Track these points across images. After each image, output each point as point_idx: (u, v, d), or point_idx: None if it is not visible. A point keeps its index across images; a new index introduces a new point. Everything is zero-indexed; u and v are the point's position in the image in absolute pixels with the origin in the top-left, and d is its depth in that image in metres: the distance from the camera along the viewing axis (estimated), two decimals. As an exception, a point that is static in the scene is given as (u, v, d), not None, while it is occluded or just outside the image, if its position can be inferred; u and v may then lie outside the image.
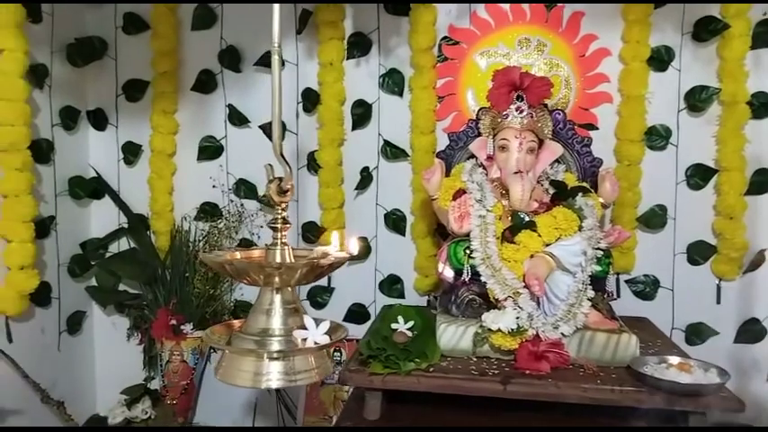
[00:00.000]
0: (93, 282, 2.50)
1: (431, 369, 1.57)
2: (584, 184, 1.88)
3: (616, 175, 1.99)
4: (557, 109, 2.05)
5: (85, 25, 2.42)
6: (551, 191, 1.88)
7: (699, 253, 2.21)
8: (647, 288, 2.24)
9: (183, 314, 2.30)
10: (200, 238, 2.44)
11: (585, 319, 1.65)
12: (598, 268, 1.70)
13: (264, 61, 2.36)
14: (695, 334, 2.23)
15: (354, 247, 1.14)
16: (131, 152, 2.50)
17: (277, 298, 1.10)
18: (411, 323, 1.70)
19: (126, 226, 2.52)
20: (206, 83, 2.43)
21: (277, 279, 1.07)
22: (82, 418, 2.35)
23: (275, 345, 1.07)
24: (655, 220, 2.21)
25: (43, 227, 2.23)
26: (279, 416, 2.46)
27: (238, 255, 1.16)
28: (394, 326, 1.69)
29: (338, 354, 2.34)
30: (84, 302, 2.50)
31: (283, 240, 1.13)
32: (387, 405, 1.61)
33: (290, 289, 1.11)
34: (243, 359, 1.06)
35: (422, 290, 2.34)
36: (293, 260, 1.12)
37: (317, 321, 1.09)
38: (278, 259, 1.11)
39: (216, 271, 2.25)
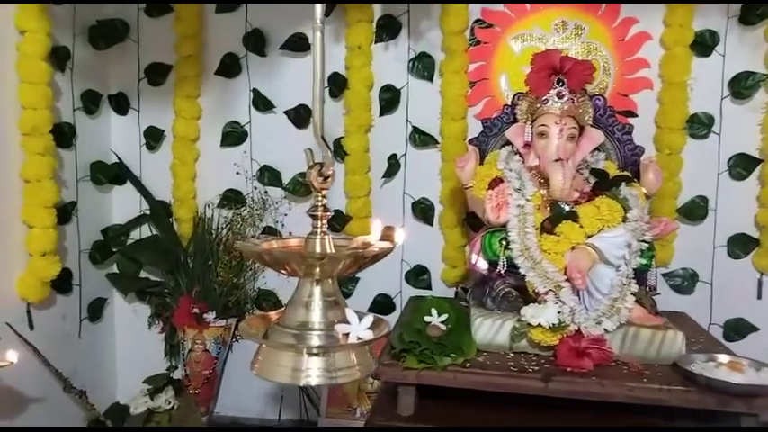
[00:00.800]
0: (115, 269, 2.46)
1: (467, 364, 1.51)
2: (627, 173, 1.80)
3: (659, 164, 1.90)
4: (597, 94, 1.96)
5: (108, 7, 2.36)
6: (592, 180, 1.80)
7: (740, 246, 2.13)
8: (685, 282, 2.16)
9: (206, 302, 2.26)
10: (224, 226, 2.39)
11: (629, 314, 1.58)
12: (642, 261, 1.63)
13: (290, 45, 2.30)
14: (734, 330, 2.15)
15: (401, 237, 1.07)
16: (154, 137, 2.45)
17: (317, 290, 1.03)
18: (445, 316, 1.64)
19: (148, 212, 2.47)
20: (230, 67, 2.36)
21: (318, 270, 1.01)
22: (102, 405, 2.31)
23: (315, 339, 1.01)
24: (695, 211, 2.13)
25: (65, 213, 2.18)
26: (301, 407, 2.42)
27: (275, 244, 1.09)
28: (428, 318, 1.63)
29: (363, 345, 2.28)
30: (106, 289, 2.46)
31: (323, 229, 1.07)
32: (420, 401, 1.55)
33: (330, 281, 1.05)
34: (281, 354, 1.00)
35: (449, 281, 2.27)
36: (334, 250, 1.06)
37: (360, 315, 1.03)
38: (318, 249, 1.05)
39: (249, 259, 2.20)
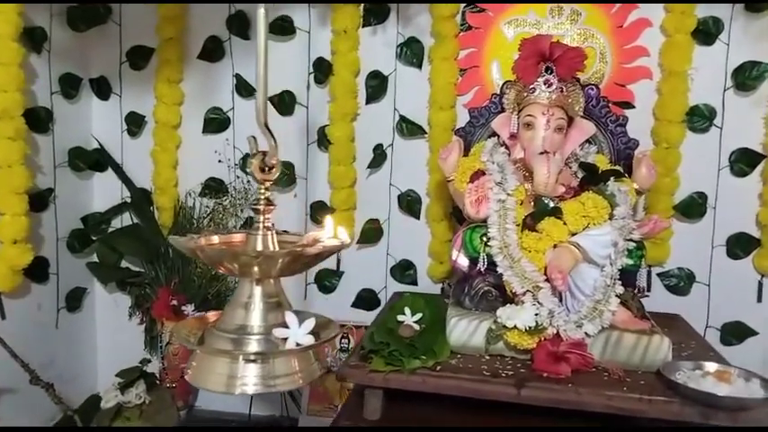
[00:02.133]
0: (95, 258, 2.41)
1: (438, 368, 1.42)
2: (618, 168, 1.70)
3: (653, 158, 1.80)
4: (590, 84, 1.86)
5: (88, -13, 2.29)
6: (580, 174, 1.70)
7: (740, 246, 2.02)
8: (681, 282, 2.06)
9: (185, 294, 2.19)
10: (205, 216, 2.33)
11: (613, 317, 1.49)
12: (629, 261, 1.53)
13: (275, 28, 2.20)
14: (732, 333, 2.05)
15: (345, 235, 0.99)
16: (135, 123, 2.38)
17: (257, 290, 0.96)
18: (419, 315, 1.56)
19: (129, 200, 2.41)
20: (213, 51, 2.29)
21: (256, 269, 0.93)
22: (82, 397, 2.26)
23: (253, 345, 0.94)
24: (693, 208, 2.02)
25: (41, 199, 2.13)
26: (282, 403, 2.36)
27: (216, 239, 1.02)
28: (400, 318, 1.55)
29: (345, 341, 2.22)
30: (86, 279, 2.41)
31: (266, 225, 0.99)
32: (389, 404, 1.47)
33: (271, 281, 0.97)
34: (216, 360, 0.93)
35: (436, 277, 2.19)
36: (276, 247, 0.98)
37: (303, 317, 0.95)
38: (259, 246, 0.97)
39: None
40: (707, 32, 1.96)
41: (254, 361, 0.93)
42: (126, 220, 2.45)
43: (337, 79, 2.13)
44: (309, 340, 0.92)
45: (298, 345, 0.91)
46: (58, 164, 2.23)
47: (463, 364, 1.45)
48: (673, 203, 2.01)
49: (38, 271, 2.14)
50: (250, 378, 0.92)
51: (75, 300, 2.34)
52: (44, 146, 2.16)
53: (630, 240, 1.53)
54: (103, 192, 2.43)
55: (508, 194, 1.58)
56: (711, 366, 1.43)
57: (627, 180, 1.67)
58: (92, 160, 2.35)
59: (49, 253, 2.21)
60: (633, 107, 2.02)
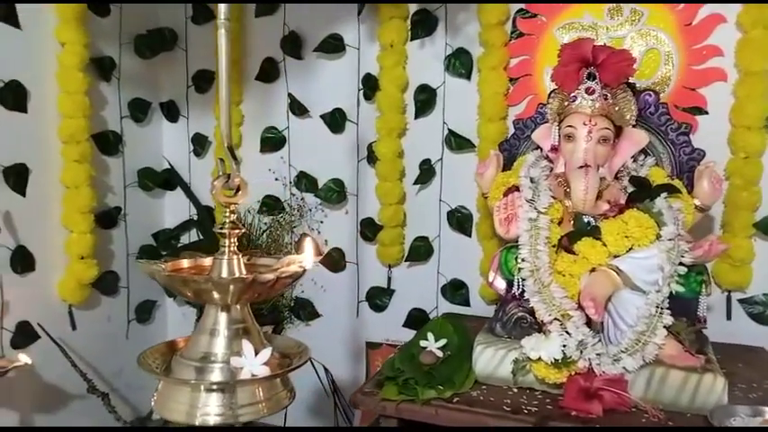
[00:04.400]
0: (164, 272, 2.52)
1: (455, 399, 1.33)
2: (674, 182, 1.52)
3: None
4: (648, 89, 1.69)
5: (156, 17, 2.42)
6: (631, 189, 1.54)
7: (841, 269, 1.74)
8: (766, 310, 1.80)
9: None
10: (262, 232, 2.37)
11: (659, 351, 1.32)
12: (680, 289, 1.35)
13: (325, 46, 2.21)
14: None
15: (309, 259, 0.95)
16: (200, 144, 2.48)
17: (222, 316, 0.94)
18: (443, 341, 1.47)
19: (196, 218, 2.51)
20: (269, 71, 2.33)
21: (215, 295, 0.91)
22: (147, 406, 2.37)
23: (216, 374, 0.92)
24: (778, 226, 1.77)
25: (109, 217, 2.27)
26: (335, 416, 2.33)
27: (185, 263, 1.01)
28: (423, 343, 1.47)
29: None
30: (156, 292, 2.53)
31: (232, 249, 0.97)
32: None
33: (238, 307, 0.94)
34: (178, 389, 0.91)
35: (488, 298, 2.07)
36: (243, 272, 0.96)
37: (263, 344, 0.92)
38: (225, 271, 0.95)
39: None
40: (792, 25, 1.71)
41: (216, 390, 0.91)
42: (193, 236, 2.55)
43: (383, 94, 2.09)
44: (264, 371, 0.88)
45: (253, 375, 0.88)
46: (128, 184, 2.36)
47: (485, 397, 1.35)
48: (753, 220, 1.76)
49: (108, 284, 2.27)
50: (212, 408, 0.91)
51: (144, 312, 2.47)
52: (114, 167, 2.30)
53: (681, 265, 1.35)
54: (174, 209, 2.55)
55: (540, 212, 1.45)
56: (775, 413, 1.22)
57: (684, 196, 1.49)
58: (160, 179, 2.48)
59: (119, 267, 2.34)
60: (706, 113, 1.80)
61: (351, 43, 2.20)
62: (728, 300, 1.83)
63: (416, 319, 2.20)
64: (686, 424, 1.22)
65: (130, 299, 2.40)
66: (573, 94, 1.54)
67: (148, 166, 2.45)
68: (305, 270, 0.94)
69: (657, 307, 1.34)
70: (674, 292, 1.36)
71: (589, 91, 1.52)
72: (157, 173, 2.48)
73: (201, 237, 2.51)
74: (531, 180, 1.51)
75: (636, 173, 1.57)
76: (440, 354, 1.45)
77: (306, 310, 2.36)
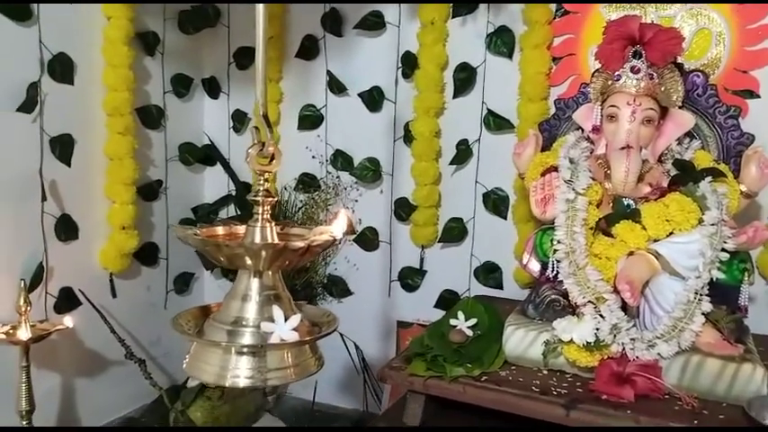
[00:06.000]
0: (202, 246, 2.57)
1: (483, 378, 1.32)
2: (720, 166, 1.47)
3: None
4: (696, 70, 1.63)
5: (199, -7, 2.45)
6: (674, 173, 1.49)
7: None
8: (813, 304, 1.73)
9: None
10: (297, 209, 2.39)
11: (695, 338, 1.28)
12: (721, 276, 1.31)
13: (365, 24, 2.20)
14: None
15: (340, 230, 0.95)
16: (240, 120, 2.51)
17: (254, 282, 0.95)
18: (473, 321, 1.46)
19: (234, 193, 2.55)
20: (309, 49, 2.33)
21: (248, 261, 0.92)
22: (183, 375, 2.43)
23: (247, 337, 0.93)
24: (832, 216, 1.69)
25: (150, 190, 2.32)
26: (364, 396, 2.35)
27: (220, 230, 1.03)
28: (453, 322, 1.47)
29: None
30: (194, 264, 2.58)
31: (265, 216, 0.98)
32: (435, 410, 1.39)
33: (270, 273, 0.95)
34: (209, 351, 0.93)
35: (521, 282, 2.05)
36: (275, 239, 0.97)
37: (293, 311, 0.93)
38: (258, 238, 0.96)
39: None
40: None
41: (246, 353, 0.92)
42: (231, 211, 2.59)
43: (422, 73, 2.07)
44: (293, 336, 0.89)
45: (282, 340, 0.89)
46: (170, 158, 2.41)
47: (514, 377, 1.34)
48: (804, 209, 1.70)
49: (148, 255, 2.33)
50: (242, 370, 0.92)
51: (183, 283, 2.52)
52: (156, 141, 2.35)
53: (723, 251, 1.30)
54: (213, 184, 2.60)
55: (578, 193, 1.42)
56: (818, 408, 1.17)
57: (729, 180, 1.43)
58: (201, 155, 2.52)
59: (159, 239, 2.40)
60: (758, 96, 1.73)
61: (391, 21, 2.18)
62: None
63: (448, 301, 2.19)
64: (722, 413, 1.19)
65: (169, 270, 2.46)
66: (617, 73, 1.50)
67: (189, 141, 2.49)
68: (335, 240, 0.94)
69: (696, 293, 1.30)
70: (714, 279, 1.31)
71: (634, 70, 1.48)
72: (198, 148, 2.52)
73: (239, 212, 2.55)
74: (571, 161, 1.48)
75: (680, 156, 1.52)
76: (469, 333, 1.44)
77: (338, 288, 2.37)
